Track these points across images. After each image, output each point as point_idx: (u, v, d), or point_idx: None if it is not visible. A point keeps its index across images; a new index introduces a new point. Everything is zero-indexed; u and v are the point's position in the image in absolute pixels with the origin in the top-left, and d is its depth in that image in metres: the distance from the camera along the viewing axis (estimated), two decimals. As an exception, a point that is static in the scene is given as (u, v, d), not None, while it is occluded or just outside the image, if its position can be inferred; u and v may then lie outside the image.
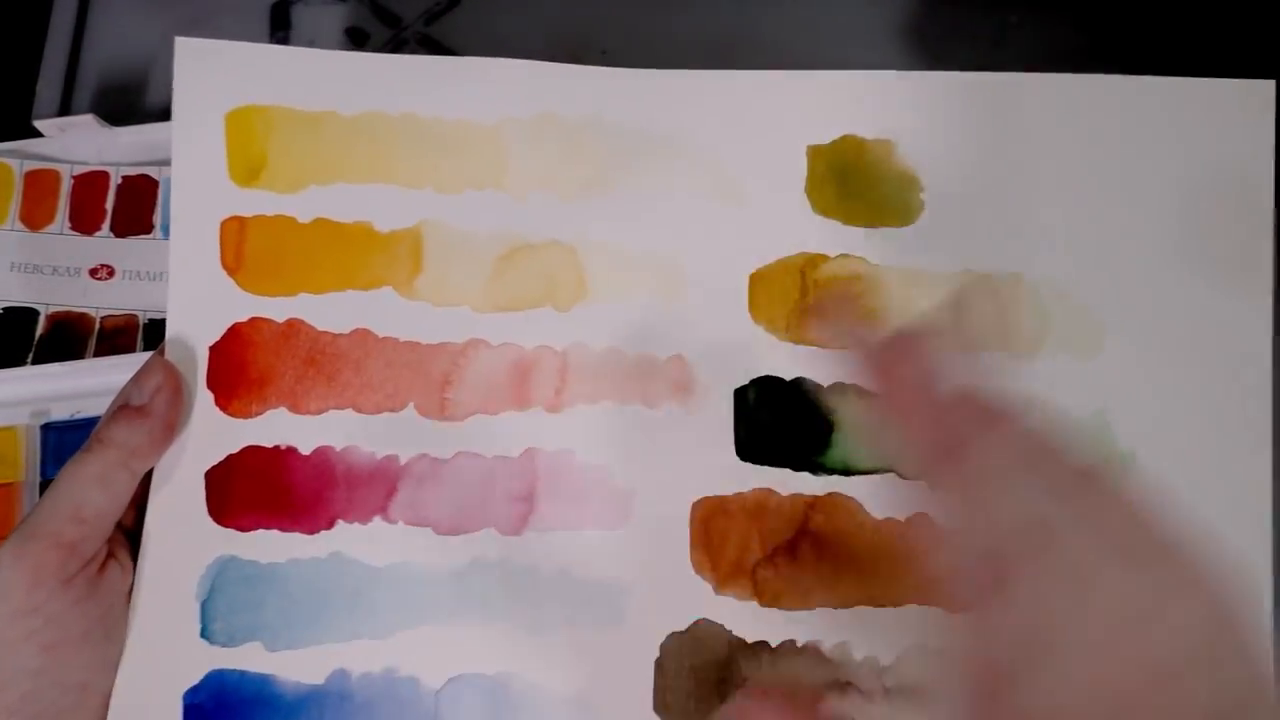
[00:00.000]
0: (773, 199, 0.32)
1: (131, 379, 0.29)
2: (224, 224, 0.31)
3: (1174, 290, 0.31)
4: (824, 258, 0.31)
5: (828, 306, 0.30)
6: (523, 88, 0.31)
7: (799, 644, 0.30)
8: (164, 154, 0.40)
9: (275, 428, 0.30)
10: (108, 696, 0.28)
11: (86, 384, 0.40)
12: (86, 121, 0.42)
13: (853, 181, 0.31)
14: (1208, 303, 0.31)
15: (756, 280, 0.31)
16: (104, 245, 0.42)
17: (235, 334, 0.30)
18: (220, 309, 0.30)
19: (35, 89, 0.43)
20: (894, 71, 0.32)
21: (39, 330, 0.42)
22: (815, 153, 0.32)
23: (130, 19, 0.45)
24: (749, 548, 0.30)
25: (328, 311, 0.31)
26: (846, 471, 0.30)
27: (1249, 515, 0.30)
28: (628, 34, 0.40)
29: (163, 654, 0.29)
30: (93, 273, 0.42)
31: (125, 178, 0.43)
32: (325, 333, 0.31)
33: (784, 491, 0.30)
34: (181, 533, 0.30)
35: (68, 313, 0.42)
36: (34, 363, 0.41)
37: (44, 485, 0.40)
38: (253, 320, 0.31)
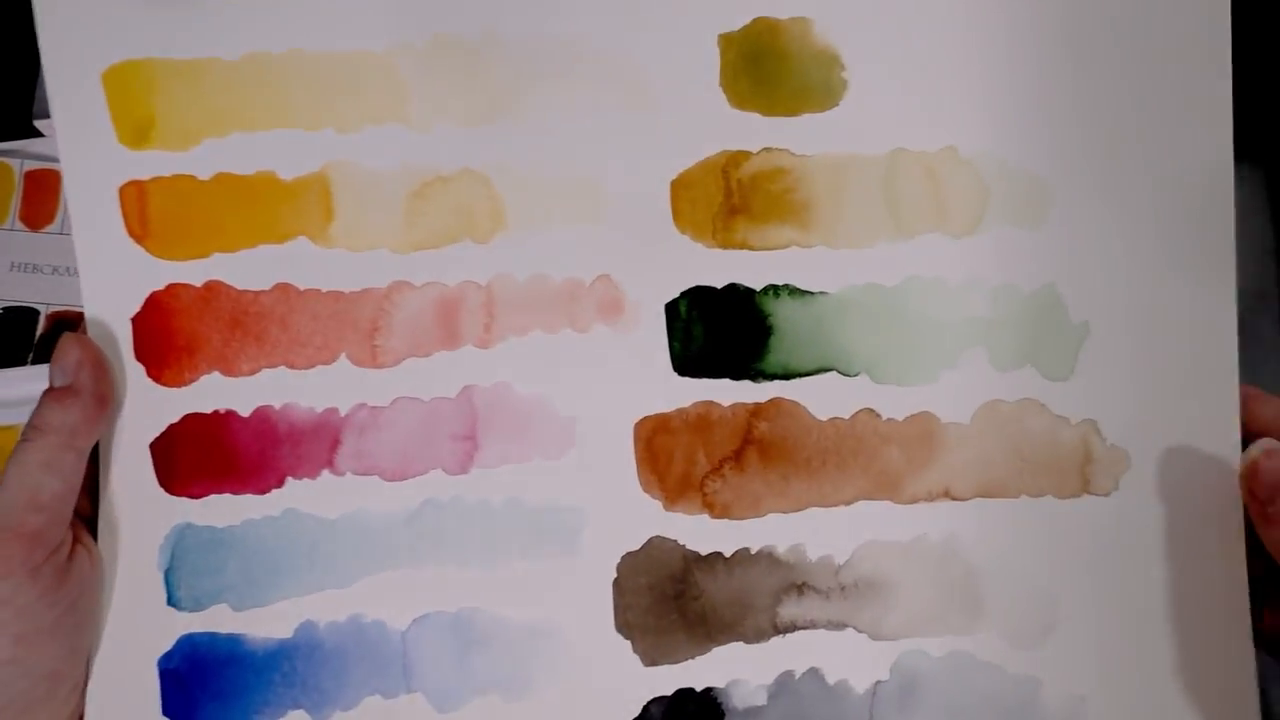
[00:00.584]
0: (685, 97, 0.30)
1: (51, 362, 0.29)
2: (123, 190, 0.30)
3: (1122, 145, 0.29)
4: (746, 154, 0.30)
5: None
6: (412, 10, 0.30)
7: (753, 551, 0.29)
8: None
9: (211, 393, 0.30)
10: (79, 684, 0.29)
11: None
12: None
13: (769, 67, 0.30)
14: (1160, 154, 0.29)
15: (677, 187, 0.30)
16: (104, 246, 0.42)
17: (154, 303, 0.30)
18: (135, 279, 0.30)
19: (35, 89, 0.43)
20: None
21: (39, 330, 0.42)
22: (727, 41, 0.30)
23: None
24: (695, 461, 0.30)
25: (245, 269, 0.30)
26: (787, 376, 0.30)
27: (1215, 387, 0.29)
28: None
29: (133, 626, 0.30)
30: (92, 272, 0.42)
31: (124, 178, 0.42)
32: (246, 292, 0.30)
33: (725, 402, 0.30)
34: (136, 507, 0.30)
35: (68, 312, 0.42)
36: (34, 362, 0.41)
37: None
38: (170, 287, 0.30)
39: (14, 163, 0.42)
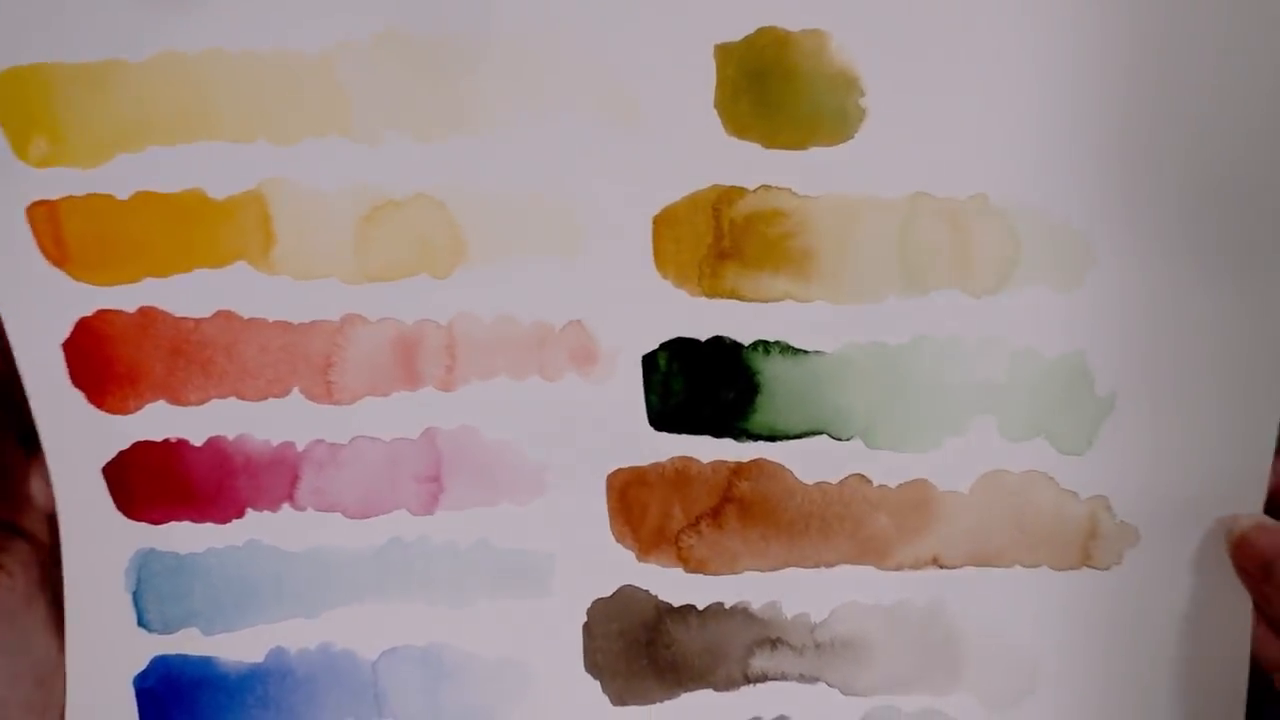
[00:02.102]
0: (674, 118, 0.26)
1: None
2: (30, 211, 0.26)
3: (1173, 204, 0.25)
4: (741, 191, 0.26)
5: None
6: (351, 1, 0.24)
7: (727, 605, 0.28)
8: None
9: (160, 421, 0.29)
10: (24, 707, 0.29)
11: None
12: None
13: (774, 88, 0.25)
14: (1205, 221, 0.25)
15: (660, 223, 0.26)
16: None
17: (85, 329, 0.28)
18: (59, 304, 0.28)
19: None
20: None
21: None
22: (725, 53, 0.25)
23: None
24: (671, 515, 0.28)
25: (180, 295, 0.28)
26: (772, 437, 0.27)
27: (1245, 467, 0.26)
28: None
29: (106, 647, 0.30)
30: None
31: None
32: (185, 319, 0.28)
33: (705, 459, 0.27)
34: (97, 530, 0.30)
35: None
36: None
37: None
38: (100, 313, 0.28)
39: None
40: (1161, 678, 0.29)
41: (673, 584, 0.29)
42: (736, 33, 0.25)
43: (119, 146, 0.26)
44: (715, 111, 0.26)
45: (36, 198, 0.27)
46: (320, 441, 0.29)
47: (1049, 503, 0.28)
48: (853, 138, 0.25)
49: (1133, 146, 0.25)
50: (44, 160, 0.26)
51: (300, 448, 0.29)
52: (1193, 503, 0.27)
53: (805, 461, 0.28)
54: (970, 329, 0.27)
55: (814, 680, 0.29)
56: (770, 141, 0.26)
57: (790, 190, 0.26)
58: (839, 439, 0.28)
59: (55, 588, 0.30)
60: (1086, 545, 0.28)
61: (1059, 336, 0.27)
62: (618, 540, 0.29)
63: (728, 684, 0.29)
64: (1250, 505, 0.27)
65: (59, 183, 0.27)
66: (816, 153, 0.26)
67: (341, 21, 0.26)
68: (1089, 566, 0.28)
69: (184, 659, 0.30)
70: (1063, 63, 0.25)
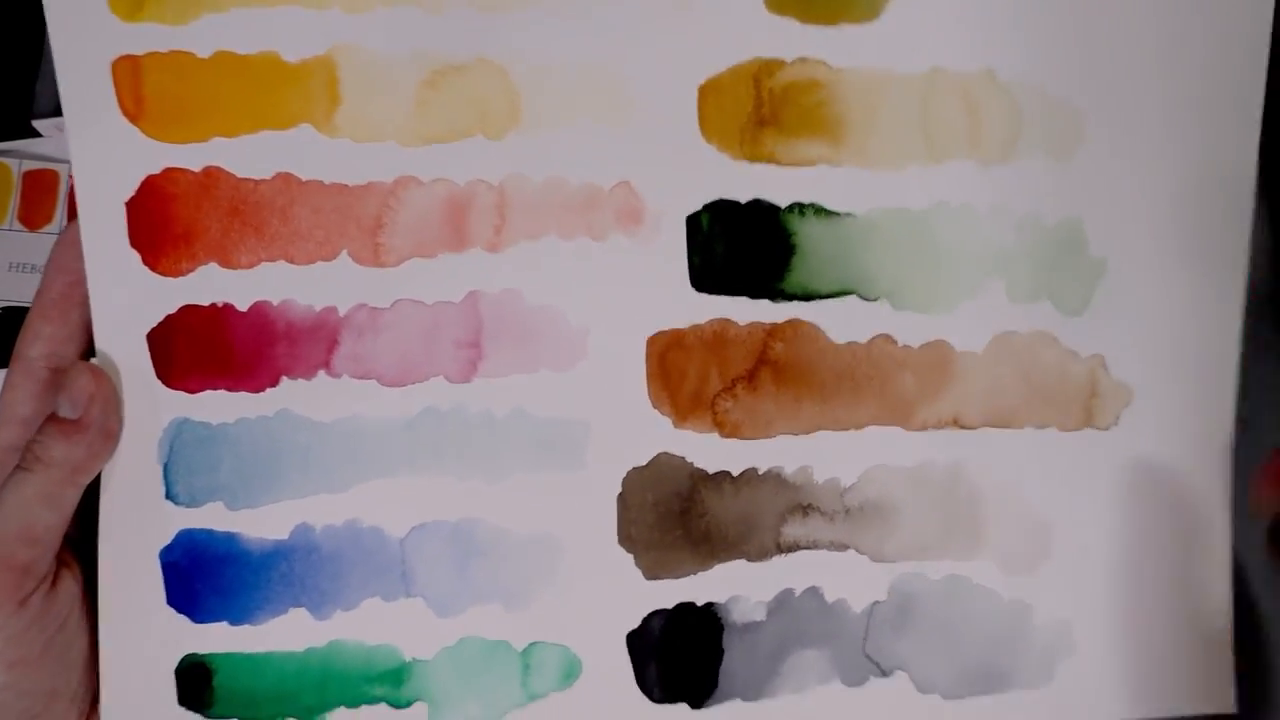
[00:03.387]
0: None
1: (62, 389, 0.28)
2: (115, 65, 0.28)
3: (1157, 82, 0.28)
4: (780, 63, 0.28)
5: None
6: None
7: (760, 471, 0.29)
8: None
9: (209, 285, 0.29)
10: (74, 698, 0.29)
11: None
12: None
13: None
14: (1193, 94, 0.28)
15: (706, 92, 0.28)
16: (102, 243, 0.42)
17: (150, 187, 0.28)
18: (129, 161, 0.29)
19: (34, 89, 0.42)
20: None
21: None
22: None
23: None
24: (708, 379, 0.29)
25: (245, 156, 0.29)
26: (806, 297, 0.29)
27: (1219, 332, 0.29)
28: None
29: (135, 519, 0.30)
30: (91, 270, 0.42)
31: (122, 175, 0.42)
32: (246, 180, 0.29)
33: (742, 321, 0.29)
34: (136, 399, 0.30)
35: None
36: None
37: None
38: (166, 171, 0.28)
39: (12, 163, 0.43)
40: (1156, 541, 0.30)
41: (708, 450, 0.30)
42: (777, -80, 0.28)
43: (206, 6, 0.28)
44: (757, -10, 0.29)
45: (123, 52, 0.28)
46: (362, 306, 0.29)
47: (1053, 361, 0.30)
48: (878, 18, 0.29)
49: (1128, 37, 0.29)
50: (134, 14, 0.28)
51: (342, 313, 0.29)
52: (1177, 366, 0.30)
53: (835, 323, 0.30)
54: (981, 197, 0.29)
55: (844, 548, 0.30)
56: (805, 18, 0.29)
57: (824, 62, 0.29)
58: (867, 299, 0.29)
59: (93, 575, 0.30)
60: (1089, 404, 0.30)
61: (1058, 203, 0.29)
62: (655, 406, 0.30)
63: (760, 554, 0.30)
64: (1223, 373, 0.30)
65: (146, 38, 0.28)
66: (846, 29, 0.29)
67: (419, -103, 0.28)
68: (1091, 427, 0.30)
69: (209, 534, 0.29)
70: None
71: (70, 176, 0.42)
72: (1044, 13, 0.29)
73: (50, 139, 0.42)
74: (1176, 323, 0.30)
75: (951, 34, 0.29)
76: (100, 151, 0.29)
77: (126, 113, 0.29)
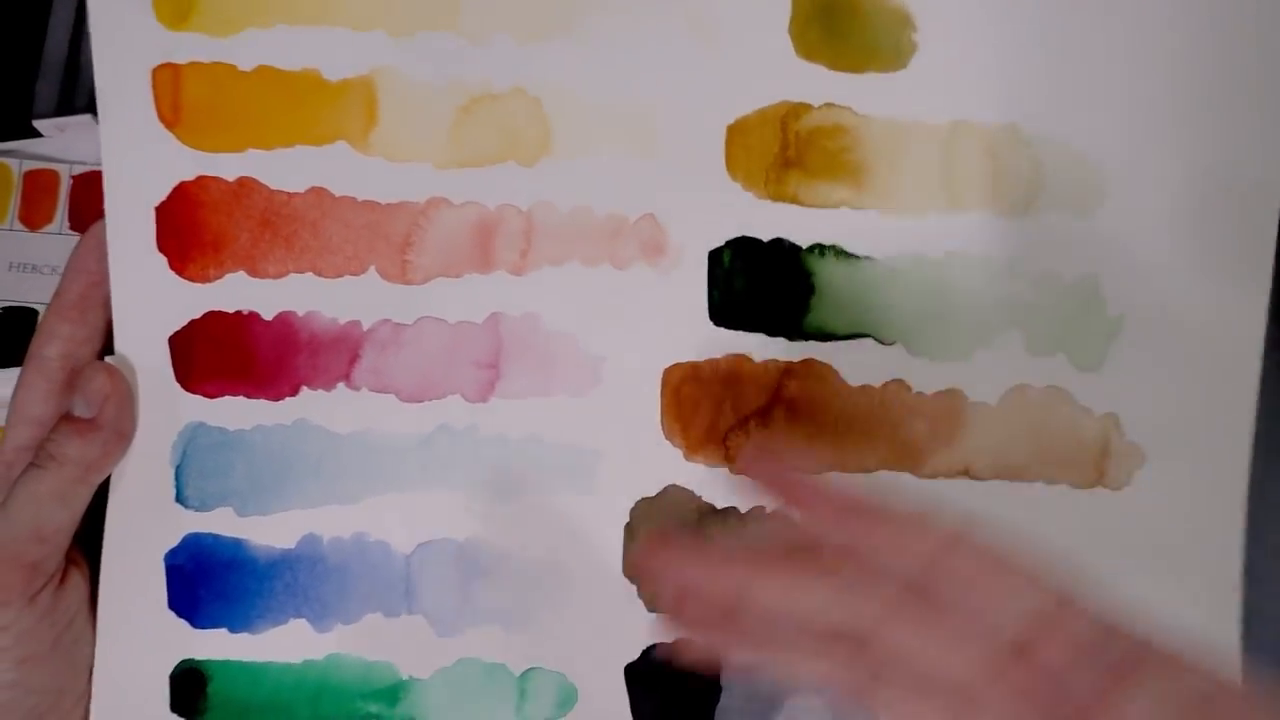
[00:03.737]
0: (752, 41, 0.29)
1: (77, 388, 0.28)
2: (156, 72, 0.29)
3: (1181, 145, 0.28)
4: (807, 107, 0.29)
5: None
6: None
7: (768, 509, 0.29)
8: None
9: (235, 292, 0.30)
10: (82, 696, 0.29)
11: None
12: (85, 121, 0.42)
13: (841, 19, 0.29)
14: (1216, 159, 0.28)
15: (734, 132, 0.29)
16: (103, 244, 0.43)
17: (182, 193, 0.29)
18: (162, 166, 0.29)
19: (34, 89, 0.43)
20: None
21: None
22: None
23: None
24: (721, 414, 0.29)
25: (280, 168, 0.29)
26: (823, 337, 0.29)
27: (1234, 395, 0.29)
28: None
29: (143, 519, 0.30)
30: (91, 272, 0.43)
31: (123, 176, 0.43)
32: (279, 192, 0.29)
33: (758, 358, 0.29)
34: (152, 399, 0.30)
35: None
36: None
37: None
38: (200, 179, 0.29)
39: (13, 163, 0.43)
40: (1164, 605, 0.30)
41: (717, 485, 0.30)
42: (812, -30, 0.29)
43: (251, 21, 0.29)
44: (789, 36, 0.29)
45: (164, 60, 0.29)
46: (386, 321, 0.30)
47: (1066, 418, 0.30)
48: (905, 68, 0.29)
49: (1152, 96, 0.29)
50: (179, 23, 0.29)
51: (366, 327, 0.30)
52: (1191, 428, 0.30)
53: (850, 365, 0.30)
54: (1000, 249, 0.30)
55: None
56: (834, 65, 0.29)
57: (850, 109, 0.29)
58: (883, 342, 0.30)
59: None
60: (1100, 463, 0.30)
61: (1077, 259, 0.29)
62: (667, 437, 0.30)
63: (764, 592, 0.29)
64: (1238, 429, 0.30)
65: (188, 48, 0.29)
66: (873, 78, 0.29)
67: (466, -70, 0.29)
68: (1103, 486, 0.30)
69: (216, 539, 0.30)
70: (1091, 17, 0.29)
71: (71, 178, 0.43)
72: (1070, 69, 0.29)
73: (50, 139, 0.42)
74: (1192, 384, 0.30)
75: (977, 86, 0.30)
76: (133, 155, 0.29)
77: (164, 119, 0.29)
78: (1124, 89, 0.30)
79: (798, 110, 0.30)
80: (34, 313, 0.41)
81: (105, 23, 0.29)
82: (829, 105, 0.30)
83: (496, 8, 0.29)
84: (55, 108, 0.43)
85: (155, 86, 0.29)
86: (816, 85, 0.30)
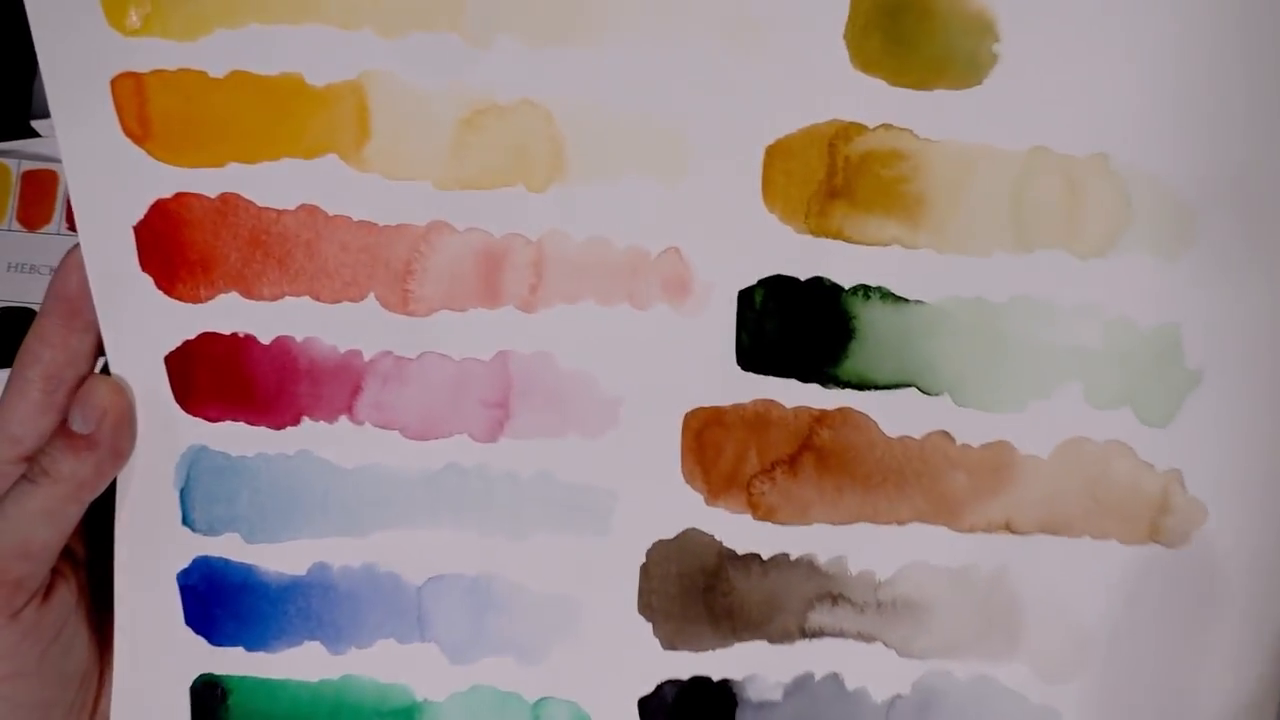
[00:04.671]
0: (800, 48, 0.25)
1: (76, 400, 0.27)
2: (115, 83, 0.25)
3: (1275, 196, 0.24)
4: (861, 128, 0.25)
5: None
6: None
7: (792, 557, 0.27)
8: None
9: (230, 314, 0.28)
10: (71, 707, 0.29)
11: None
12: None
13: (908, 25, 0.24)
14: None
15: (773, 155, 0.25)
16: (101, 244, 0.41)
17: (161, 211, 0.26)
18: (135, 184, 0.27)
19: (33, 89, 0.43)
20: None
21: None
22: None
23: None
24: (745, 460, 0.27)
25: (266, 184, 0.27)
26: (861, 386, 0.26)
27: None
28: None
29: (151, 541, 0.29)
30: (91, 272, 0.41)
31: (122, 175, 0.40)
32: (267, 209, 0.26)
33: (788, 403, 0.26)
34: (153, 420, 0.28)
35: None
36: None
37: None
38: (179, 196, 0.26)
39: (11, 163, 0.42)
40: (1211, 668, 0.28)
41: (739, 530, 0.28)
42: (876, -36, 0.24)
43: (219, 21, 0.25)
44: (844, 42, 0.25)
45: (124, 69, 0.25)
46: (388, 354, 0.27)
47: (1125, 473, 0.27)
48: (980, 84, 0.25)
49: (1255, 130, 0.25)
50: (137, 29, 0.25)
51: (367, 357, 0.28)
52: (1259, 486, 0.27)
53: (889, 414, 0.27)
54: (1070, 292, 0.26)
55: (871, 639, 0.29)
56: (896, 79, 0.25)
57: (911, 131, 0.25)
58: (927, 393, 0.27)
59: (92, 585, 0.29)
60: (1156, 520, 0.27)
61: (1157, 306, 0.26)
62: (687, 481, 0.28)
63: (783, 636, 0.29)
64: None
65: (150, 54, 0.25)
66: (941, 95, 0.25)
67: (467, -90, 0.24)
68: (1156, 542, 0.28)
69: (226, 563, 0.29)
70: (1200, 37, 0.24)
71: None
72: (1170, 97, 0.25)
73: (50, 139, 0.42)
74: (1265, 443, 0.27)
75: (1062, 109, 0.25)
76: (101, 173, 0.26)
77: (130, 134, 0.26)
78: (1228, 123, 0.25)
79: (849, 131, 0.25)
80: (32, 313, 0.40)
81: (49, 30, 0.25)
82: (886, 127, 0.25)
83: (502, 5, 0.25)
84: (54, 108, 0.42)
85: (116, 98, 0.26)
86: (873, 102, 0.25)
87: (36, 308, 0.40)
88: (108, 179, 0.26)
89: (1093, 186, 0.25)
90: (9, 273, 0.41)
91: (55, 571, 0.28)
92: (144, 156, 0.26)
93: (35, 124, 0.41)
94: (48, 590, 0.27)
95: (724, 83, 0.25)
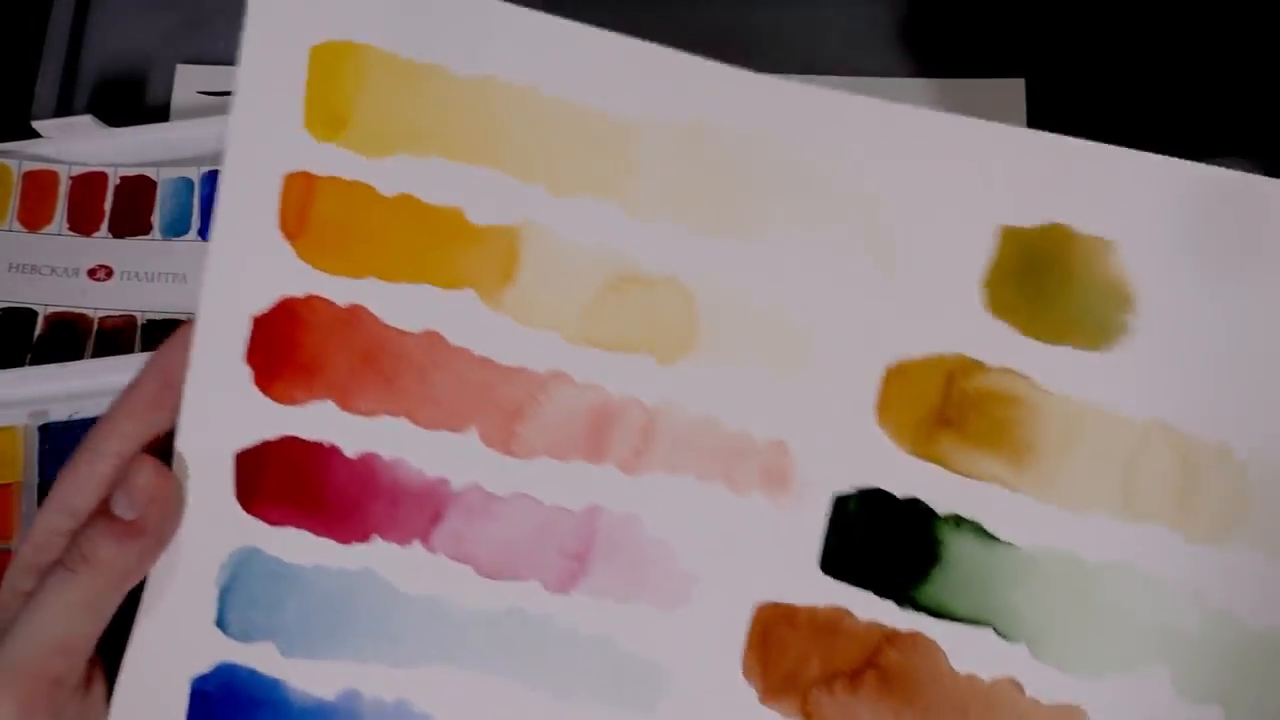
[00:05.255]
0: (940, 279, 0.26)
1: (121, 482, 0.26)
2: (288, 179, 0.26)
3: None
4: (982, 367, 0.25)
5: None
6: (680, 83, 0.24)
7: (838, 775, 0.26)
8: (162, 155, 0.41)
9: (320, 421, 0.27)
10: None
11: (85, 385, 0.39)
12: (85, 122, 0.41)
13: (1046, 281, 0.25)
14: None
15: (893, 375, 0.26)
16: (102, 246, 0.41)
17: (287, 308, 0.26)
18: (271, 276, 0.27)
19: (33, 89, 0.43)
20: (1117, 148, 0.24)
21: (37, 331, 0.41)
22: (1011, 236, 0.25)
23: (129, 19, 0.44)
24: (808, 664, 0.27)
25: (397, 304, 0.27)
26: (937, 613, 0.26)
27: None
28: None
29: (175, 636, 0.28)
30: (91, 273, 0.41)
31: (123, 178, 0.41)
32: (391, 328, 0.26)
33: (861, 616, 0.26)
34: (206, 512, 0.28)
35: (66, 313, 0.41)
36: (32, 363, 0.41)
37: (43, 486, 0.40)
38: (310, 298, 0.26)
39: (12, 163, 0.42)
40: None
41: (788, 737, 0.27)
42: (1025, 220, 0.25)
43: (405, 146, 0.26)
44: (982, 286, 0.26)
45: (302, 168, 0.26)
46: (479, 488, 0.27)
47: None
48: (1109, 349, 0.26)
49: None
50: (330, 135, 0.26)
51: (455, 488, 0.27)
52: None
53: (961, 648, 0.27)
54: (1173, 572, 0.26)
55: None
56: (1025, 329, 0.26)
57: (1031, 380, 0.26)
58: (1005, 637, 0.26)
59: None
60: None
61: (1266, 609, 0.26)
62: (745, 675, 0.27)
63: None
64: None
65: (331, 161, 0.26)
66: (1068, 352, 0.26)
67: (656, 97, 0.26)
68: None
69: (252, 674, 0.27)
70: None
71: (70, 178, 0.42)
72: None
73: (50, 140, 0.42)
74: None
75: (1189, 391, 0.26)
76: (244, 259, 0.26)
77: (285, 229, 0.26)
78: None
79: (970, 368, 0.26)
80: (33, 313, 0.41)
81: (246, 121, 0.26)
82: (1007, 370, 0.26)
83: (672, 187, 0.26)
84: (55, 108, 0.42)
85: (284, 194, 0.26)
86: (999, 345, 0.26)
87: (37, 308, 0.41)
88: (248, 266, 0.26)
89: (1211, 473, 0.26)
90: (9, 273, 0.41)
91: (90, 662, 0.26)
92: (290, 253, 0.26)
93: (36, 124, 0.41)
94: (86, 681, 0.26)
95: (861, 296, 0.26)
